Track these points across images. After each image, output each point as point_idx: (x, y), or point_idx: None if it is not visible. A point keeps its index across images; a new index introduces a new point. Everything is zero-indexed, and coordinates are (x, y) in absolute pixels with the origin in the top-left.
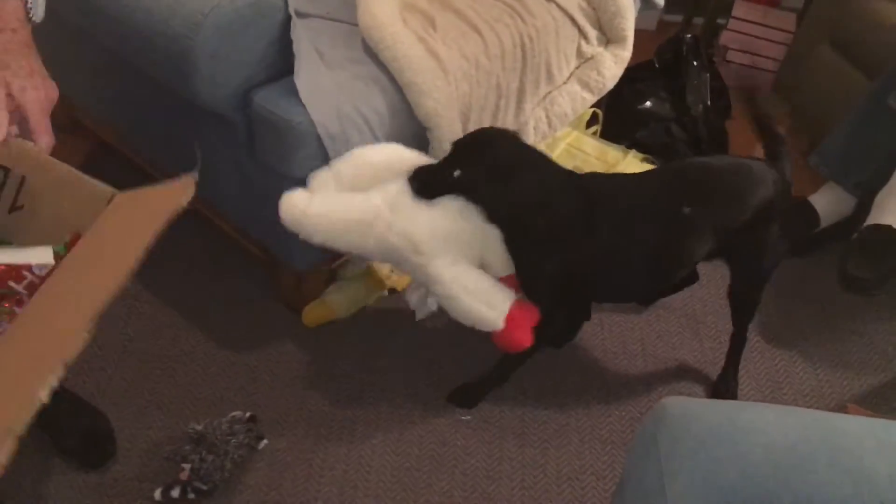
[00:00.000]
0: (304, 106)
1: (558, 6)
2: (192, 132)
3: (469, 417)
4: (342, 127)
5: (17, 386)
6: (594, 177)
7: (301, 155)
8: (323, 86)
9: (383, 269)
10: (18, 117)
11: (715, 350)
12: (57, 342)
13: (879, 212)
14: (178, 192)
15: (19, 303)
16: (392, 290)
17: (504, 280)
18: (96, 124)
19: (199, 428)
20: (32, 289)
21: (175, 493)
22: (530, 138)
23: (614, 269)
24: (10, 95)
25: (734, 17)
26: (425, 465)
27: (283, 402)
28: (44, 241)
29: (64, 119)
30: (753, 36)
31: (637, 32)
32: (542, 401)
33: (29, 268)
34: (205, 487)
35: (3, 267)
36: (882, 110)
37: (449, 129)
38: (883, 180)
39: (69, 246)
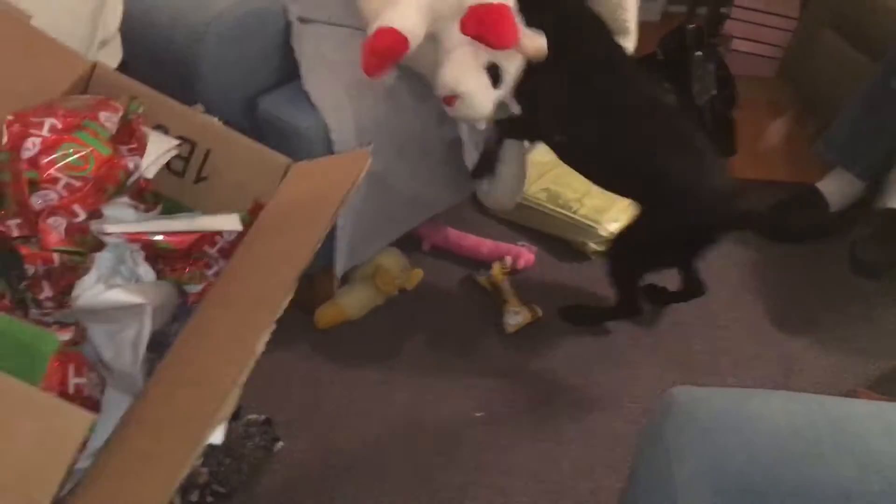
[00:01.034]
0: (309, 111)
1: None
2: None
3: (482, 414)
4: (353, 130)
5: (237, 341)
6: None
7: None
8: (332, 90)
9: (393, 270)
10: None
11: (728, 340)
12: (265, 299)
13: (889, 196)
14: (354, 162)
15: (209, 266)
16: (402, 290)
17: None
18: None
19: None
20: (223, 253)
21: (194, 496)
22: None
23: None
24: None
25: (737, 6)
26: (440, 461)
27: (297, 404)
28: (226, 208)
29: None
30: (757, 23)
31: (640, 24)
32: (554, 396)
33: (220, 234)
34: (223, 490)
35: (198, 235)
36: (887, 94)
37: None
38: (891, 164)
39: (251, 212)
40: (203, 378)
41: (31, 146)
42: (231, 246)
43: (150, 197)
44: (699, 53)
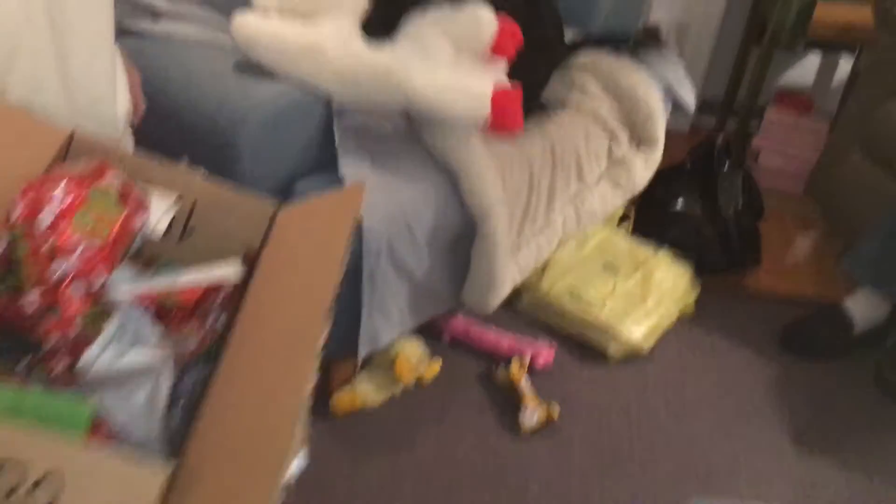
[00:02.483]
0: None
1: (587, 112)
2: None
3: None
4: (384, 219)
5: (285, 381)
6: None
7: None
8: (367, 178)
9: (412, 360)
10: None
11: (746, 455)
12: (300, 345)
13: None
14: (350, 197)
15: (206, 319)
16: (420, 380)
17: None
18: None
19: None
20: (223, 305)
21: None
22: (559, 235)
23: None
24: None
25: (767, 123)
26: None
27: (302, 487)
28: (216, 257)
29: None
30: (786, 140)
31: (669, 134)
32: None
33: (222, 283)
34: None
35: (204, 288)
36: None
37: (503, 221)
38: None
39: (245, 261)
40: (257, 440)
41: (47, 215)
42: (230, 297)
43: (142, 257)
44: (727, 166)
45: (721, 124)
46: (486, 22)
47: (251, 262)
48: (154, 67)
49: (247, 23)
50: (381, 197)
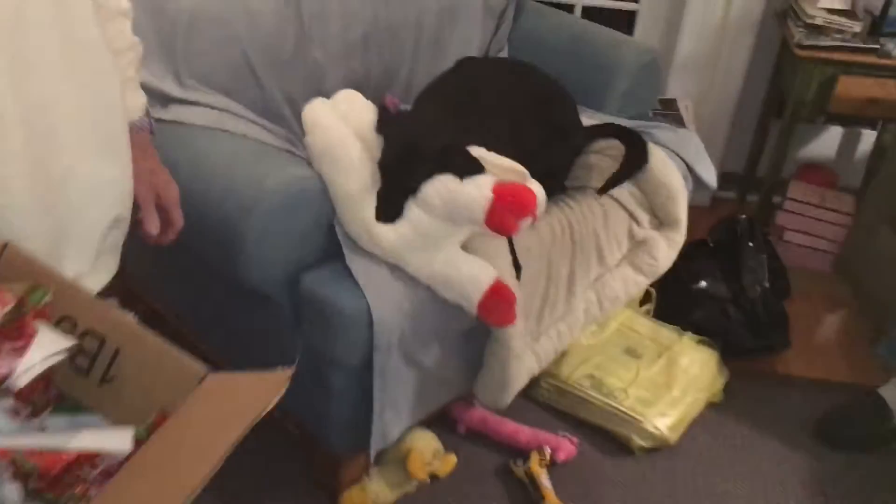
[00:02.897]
0: (353, 291)
1: (607, 194)
2: (240, 307)
3: None
4: (396, 313)
5: None
6: None
7: (347, 341)
8: (377, 269)
9: (426, 455)
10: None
11: None
12: None
13: None
14: (270, 387)
15: (88, 489)
16: (433, 477)
17: None
18: (148, 294)
19: None
20: (106, 474)
21: None
22: (580, 321)
23: None
24: (159, 196)
25: (790, 199)
26: None
27: None
28: (130, 415)
29: (118, 286)
30: (811, 217)
31: (689, 208)
32: None
33: (104, 454)
34: None
35: (75, 455)
36: None
37: (518, 325)
38: None
39: (152, 428)
40: None
41: None
42: (118, 466)
43: (39, 400)
44: (751, 244)
45: (742, 197)
46: (477, 202)
47: (158, 427)
48: (162, 153)
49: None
50: (391, 289)
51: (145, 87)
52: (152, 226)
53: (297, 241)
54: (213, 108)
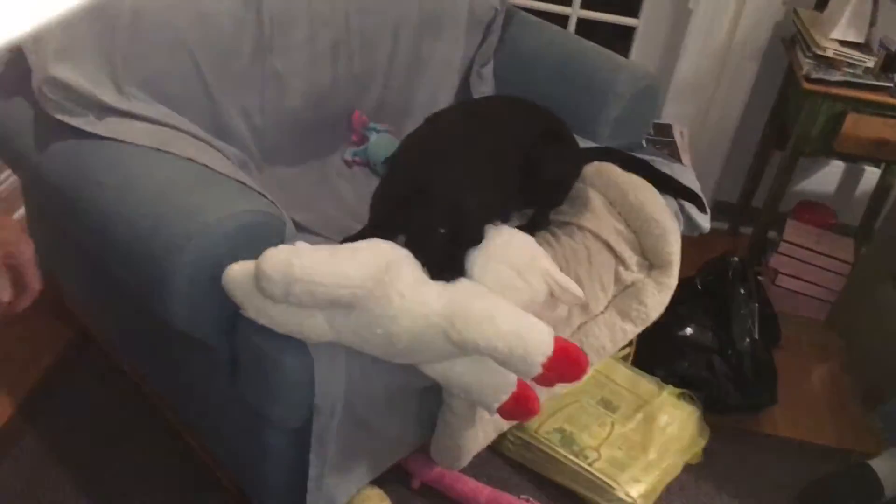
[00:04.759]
0: (297, 344)
1: (591, 232)
2: (173, 344)
3: None
4: (342, 377)
5: None
6: None
7: (287, 400)
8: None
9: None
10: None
11: None
12: None
13: None
14: None
15: None
16: None
17: None
18: (82, 313)
19: None
20: None
21: None
22: None
23: None
24: (9, 254)
25: (786, 241)
26: None
27: None
28: None
29: (51, 301)
30: (807, 263)
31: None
32: None
33: None
34: None
35: None
36: None
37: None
38: None
39: None
40: None
41: None
42: None
43: None
44: (742, 291)
45: (735, 230)
46: (540, 347)
47: None
48: (88, 173)
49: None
50: (344, 352)
51: (77, 92)
52: (2, 293)
53: None
54: (155, 122)
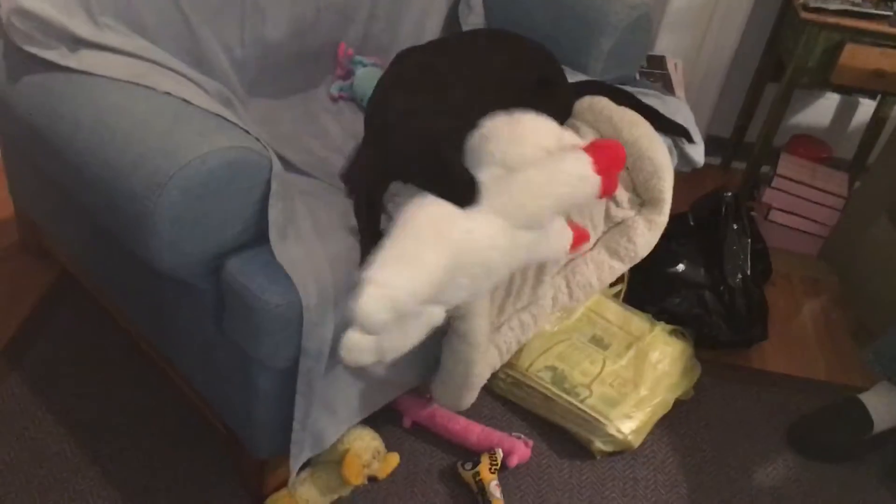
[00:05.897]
0: (285, 282)
1: None
2: (159, 285)
3: None
4: (331, 313)
5: None
6: None
7: (273, 339)
8: (312, 261)
9: (364, 457)
10: None
11: None
12: None
13: None
14: None
15: None
16: (372, 479)
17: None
18: (63, 254)
19: None
20: None
21: None
22: (547, 310)
23: None
24: None
25: (779, 176)
26: None
27: None
28: None
29: (33, 244)
30: (800, 197)
31: None
32: None
33: None
34: None
35: None
36: None
37: (485, 318)
38: None
39: None
40: None
41: None
42: None
43: None
44: (735, 226)
45: (727, 164)
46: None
47: None
48: (61, 109)
49: None
50: (329, 283)
51: (48, 23)
52: None
53: (221, 223)
54: (131, 55)
